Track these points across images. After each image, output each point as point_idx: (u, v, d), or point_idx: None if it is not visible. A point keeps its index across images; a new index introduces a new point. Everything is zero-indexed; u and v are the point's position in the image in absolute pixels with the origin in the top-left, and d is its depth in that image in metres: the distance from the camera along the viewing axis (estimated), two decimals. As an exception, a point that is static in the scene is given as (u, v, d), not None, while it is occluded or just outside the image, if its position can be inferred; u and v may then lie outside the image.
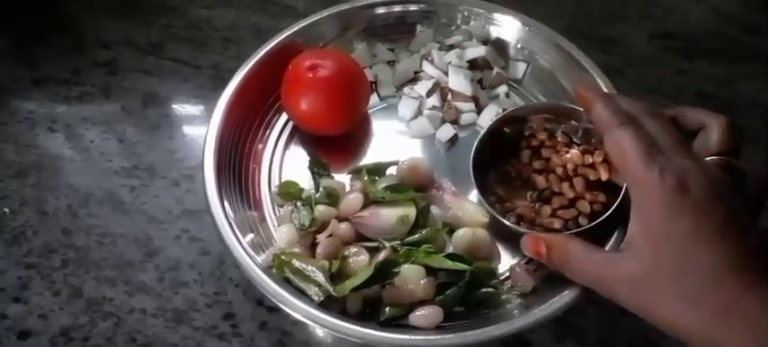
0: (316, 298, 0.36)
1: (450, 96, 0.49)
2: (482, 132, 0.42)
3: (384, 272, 0.37)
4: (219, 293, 0.42)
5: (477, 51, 0.50)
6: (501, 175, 0.43)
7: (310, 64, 0.44)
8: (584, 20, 0.59)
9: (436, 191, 0.43)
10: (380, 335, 0.35)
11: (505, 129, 0.44)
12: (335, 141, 0.47)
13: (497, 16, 0.51)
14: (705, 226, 0.28)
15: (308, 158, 0.45)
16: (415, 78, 0.51)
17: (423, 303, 0.37)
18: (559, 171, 0.42)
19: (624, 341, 0.41)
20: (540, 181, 0.41)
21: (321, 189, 0.42)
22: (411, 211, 0.40)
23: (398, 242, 0.39)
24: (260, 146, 0.47)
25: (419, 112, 0.49)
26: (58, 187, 0.48)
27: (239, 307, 0.42)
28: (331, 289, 0.36)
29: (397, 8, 0.52)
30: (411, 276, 0.37)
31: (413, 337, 0.35)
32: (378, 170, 0.43)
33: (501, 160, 0.43)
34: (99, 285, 0.43)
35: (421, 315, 0.36)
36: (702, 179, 0.29)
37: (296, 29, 0.49)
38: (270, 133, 0.48)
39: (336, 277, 0.37)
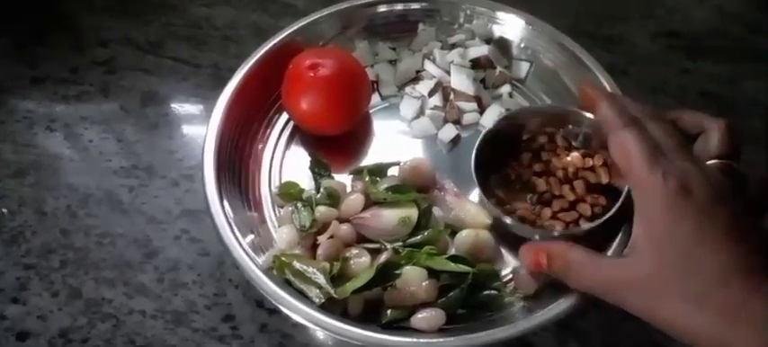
0: (316, 300, 0.36)
1: (452, 96, 0.48)
2: (482, 135, 0.42)
3: (385, 274, 0.36)
4: (219, 294, 0.42)
5: (479, 50, 0.50)
6: (501, 178, 0.43)
7: (311, 63, 0.43)
8: (587, 19, 0.59)
9: (438, 192, 0.43)
10: (382, 338, 0.35)
11: (506, 131, 0.43)
12: (336, 141, 0.47)
13: (500, 15, 0.51)
14: (709, 229, 0.28)
15: (308, 158, 0.45)
16: (416, 77, 0.51)
17: (425, 305, 0.37)
18: (560, 174, 0.42)
19: (627, 344, 0.40)
20: (541, 184, 0.41)
21: (322, 189, 0.41)
22: (413, 212, 0.40)
23: (400, 243, 0.39)
24: (260, 146, 0.47)
25: (421, 112, 0.49)
26: (56, 187, 0.48)
27: (239, 309, 0.41)
28: (332, 291, 0.35)
29: (399, 6, 0.51)
30: (413, 278, 0.37)
31: (415, 340, 0.35)
32: (379, 170, 0.43)
33: (501, 163, 0.43)
34: (98, 286, 0.42)
35: (423, 318, 0.36)
36: (704, 182, 0.29)
37: (296, 27, 0.49)
38: (270, 133, 0.47)
39: (337, 279, 0.37)
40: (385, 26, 0.52)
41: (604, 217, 0.38)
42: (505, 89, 0.50)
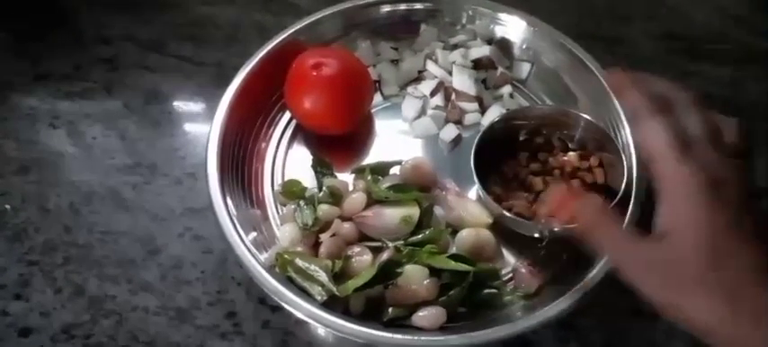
0: (319, 298, 0.36)
1: (453, 96, 0.49)
2: (480, 133, 0.42)
3: (387, 272, 0.37)
4: (222, 292, 0.42)
5: (481, 51, 0.50)
6: (498, 176, 0.43)
7: (314, 62, 0.43)
8: (589, 20, 0.59)
9: (440, 191, 0.43)
10: (383, 335, 0.35)
11: (504, 131, 0.44)
12: (338, 140, 0.47)
13: (502, 16, 0.51)
14: (737, 227, 0.28)
15: (311, 157, 0.45)
16: (418, 77, 0.51)
17: (426, 303, 0.37)
18: (556, 173, 0.42)
19: (628, 343, 0.41)
20: (537, 183, 0.42)
21: (324, 188, 0.41)
22: (414, 211, 0.40)
23: (402, 242, 0.39)
24: (263, 144, 0.47)
25: (423, 112, 0.49)
26: (59, 184, 0.48)
27: (242, 306, 0.41)
28: (334, 289, 0.36)
29: (402, 7, 0.52)
30: (414, 276, 0.37)
31: (416, 338, 0.35)
32: (381, 169, 0.43)
33: (499, 161, 0.43)
34: (101, 283, 0.43)
35: (424, 316, 0.36)
36: (733, 179, 0.29)
37: (299, 26, 0.49)
38: (273, 131, 0.48)
39: (339, 277, 0.37)
40: (387, 26, 0.52)
41: None
42: (506, 89, 0.50)
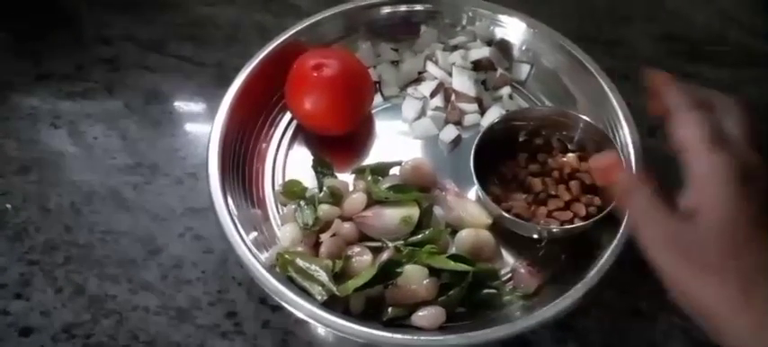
0: (319, 298, 0.36)
1: (453, 97, 0.49)
2: (479, 134, 0.42)
3: (387, 272, 0.37)
4: (223, 291, 0.42)
5: (481, 52, 0.50)
6: (498, 177, 0.43)
7: (315, 63, 0.44)
8: (588, 22, 0.59)
9: (439, 191, 0.43)
10: (383, 335, 0.35)
11: (503, 132, 0.44)
12: (339, 141, 0.47)
13: (502, 17, 0.51)
14: (765, 220, 0.28)
15: (311, 157, 0.45)
16: (418, 79, 0.51)
17: (425, 303, 0.37)
18: (555, 174, 0.42)
19: (627, 343, 0.41)
20: (536, 183, 0.42)
21: (324, 188, 0.42)
22: (414, 212, 0.40)
23: (401, 242, 0.39)
24: (264, 144, 0.47)
25: (423, 113, 0.49)
26: (60, 183, 0.48)
27: (242, 306, 0.41)
28: (334, 289, 0.36)
29: (402, 8, 0.52)
30: (414, 276, 0.37)
31: (415, 337, 0.35)
32: (381, 170, 0.43)
33: (498, 162, 0.43)
34: (102, 282, 0.43)
35: (423, 316, 0.36)
36: (764, 175, 0.29)
37: (300, 27, 0.49)
38: (273, 132, 0.48)
39: (340, 276, 0.37)
40: (388, 27, 0.52)
41: (599, 216, 0.39)
42: (506, 91, 0.50)
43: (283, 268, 0.38)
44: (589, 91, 0.47)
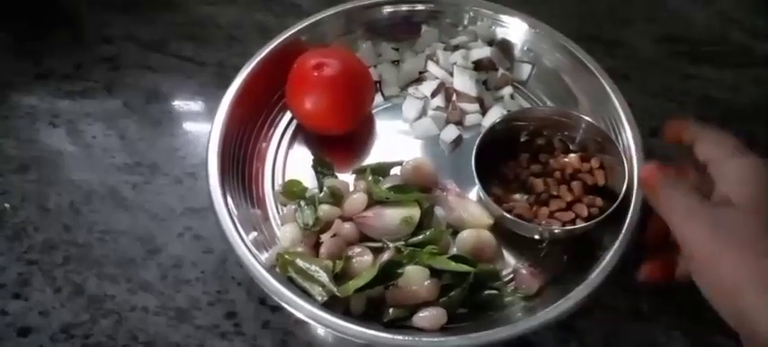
0: (319, 298, 0.36)
1: (454, 97, 0.49)
2: (481, 135, 0.42)
3: (388, 273, 0.37)
4: (222, 292, 0.42)
5: (482, 52, 0.50)
6: (499, 177, 0.43)
7: (315, 62, 0.43)
8: (590, 22, 0.59)
9: (440, 192, 0.43)
10: (384, 336, 0.35)
11: (505, 132, 0.44)
12: (339, 140, 0.47)
13: (503, 17, 0.51)
14: None
15: (311, 157, 0.45)
16: (419, 78, 0.51)
17: (426, 304, 0.37)
18: (557, 175, 0.42)
19: (628, 344, 0.41)
20: (538, 184, 0.42)
21: (325, 188, 0.41)
22: (415, 212, 0.40)
23: (402, 243, 0.39)
24: (264, 144, 0.47)
25: (423, 113, 0.49)
26: (59, 183, 0.48)
27: (242, 306, 0.41)
28: (335, 290, 0.36)
29: (404, 7, 0.52)
30: (415, 277, 0.37)
31: (416, 338, 0.35)
32: (382, 170, 0.43)
33: (499, 163, 0.43)
34: (100, 282, 0.42)
35: (424, 317, 0.36)
36: None
37: (300, 27, 0.49)
38: (273, 131, 0.48)
39: (340, 277, 0.37)
40: (389, 27, 0.52)
41: (601, 217, 0.38)
42: (507, 91, 0.50)
43: (283, 268, 0.38)
44: (591, 91, 0.47)
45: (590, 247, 0.39)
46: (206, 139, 0.43)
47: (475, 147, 0.41)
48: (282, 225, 0.42)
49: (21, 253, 0.44)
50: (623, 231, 0.38)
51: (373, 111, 0.49)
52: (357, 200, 0.40)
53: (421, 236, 0.39)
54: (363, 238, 0.40)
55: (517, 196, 0.42)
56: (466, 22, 0.52)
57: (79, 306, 0.41)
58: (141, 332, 0.40)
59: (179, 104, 0.53)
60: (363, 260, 0.38)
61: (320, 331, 0.41)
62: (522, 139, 0.45)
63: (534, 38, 0.50)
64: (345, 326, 0.35)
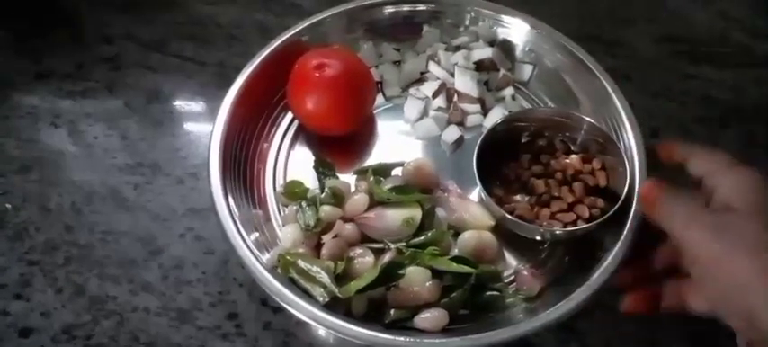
0: (321, 299, 0.36)
1: (456, 97, 0.49)
2: (482, 135, 0.42)
3: (389, 274, 0.37)
4: (224, 293, 0.42)
5: (483, 53, 0.50)
6: (500, 178, 0.43)
7: (317, 63, 0.43)
8: (590, 23, 0.59)
9: (441, 193, 0.43)
10: (385, 337, 0.35)
11: (506, 133, 0.44)
12: (340, 141, 0.47)
13: (505, 18, 0.51)
14: None
15: (313, 158, 0.45)
16: (421, 79, 0.51)
17: (428, 305, 0.37)
18: (558, 176, 0.42)
19: (628, 345, 0.41)
20: (539, 185, 0.42)
21: (326, 189, 0.41)
22: (417, 213, 0.40)
23: (404, 244, 0.39)
24: (265, 144, 0.47)
25: (425, 113, 0.49)
26: (60, 183, 0.48)
27: (243, 307, 0.41)
28: (336, 291, 0.36)
29: (405, 8, 0.52)
30: (416, 278, 0.37)
31: (418, 340, 0.35)
32: (383, 171, 0.43)
33: (501, 163, 0.43)
34: (102, 283, 0.43)
35: (426, 318, 0.36)
36: None
37: (301, 27, 0.49)
38: (275, 132, 0.48)
39: (341, 278, 0.37)
40: (390, 27, 0.52)
41: (602, 218, 0.38)
42: (508, 91, 0.50)
43: (285, 269, 0.38)
44: (592, 92, 0.47)
45: (591, 248, 0.39)
46: (207, 140, 0.43)
47: (476, 148, 0.41)
48: (284, 226, 0.42)
49: (22, 254, 0.44)
50: (625, 232, 0.38)
51: (374, 112, 0.49)
52: (358, 200, 0.40)
53: (422, 237, 0.39)
54: (365, 239, 0.40)
55: (518, 197, 0.42)
56: (467, 23, 0.52)
57: (80, 306, 0.42)
58: (143, 333, 0.40)
59: (180, 104, 0.53)
60: (365, 261, 0.38)
61: (321, 332, 0.41)
62: (523, 140, 0.45)
63: (535, 38, 0.50)
64: (347, 327, 0.35)
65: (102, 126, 0.51)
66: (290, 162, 0.47)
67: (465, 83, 0.48)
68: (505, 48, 0.51)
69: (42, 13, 0.59)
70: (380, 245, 0.39)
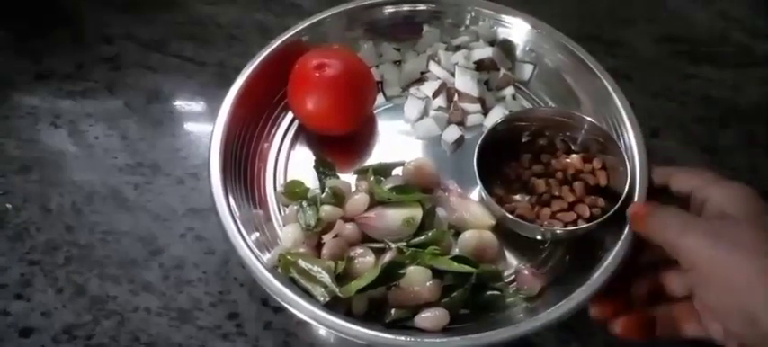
0: (321, 299, 0.36)
1: (456, 97, 0.49)
2: (483, 135, 0.42)
3: (390, 274, 0.37)
4: (224, 292, 0.42)
5: (483, 52, 0.50)
6: (501, 178, 0.43)
7: (317, 63, 0.43)
8: (591, 23, 0.59)
9: (442, 192, 0.43)
10: (386, 337, 0.35)
11: (506, 133, 0.44)
12: (341, 141, 0.47)
13: (505, 18, 0.51)
14: None
15: (313, 158, 0.45)
16: (421, 79, 0.51)
17: (428, 305, 0.37)
18: (559, 175, 0.42)
19: (629, 345, 0.41)
20: (540, 185, 0.42)
21: (327, 189, 0.41)
22: (417, 213, 0.40)
23: (404, 243, 0.39)
24: (265, 144, 0.47)
25: (425, 113, 0.49)
26: (61, 183, 0.48)
27: (244, 307, 0.41)
28: (337, 290, 0.36)
29: (405, 8, 0.52)
30: (417, 278, 0.37)
31: (418, 339, 0.35)
32: (383, 170, 0.43)
33: (501, 163, 0.43)
34: (103, 283, 0.43)
35: (426, 318, 0.36)
36: None
37: (302, 27, 0.49)
38: (275, 132, 0.48)
39: (342, 278, 0.37)
40: (390, 27, 0.52)
41: (603, 218, 0.38)
42: (509, 91, 0.50)
43: (285, 269, 0.38)
44: (593, 91, 0.47)
45: (592, 248, 0.39)
46: (207, 140, 0.43)
47: (477, 148, 0.41)
48: (284, 225, 0.42)
49: (23, 254, 0.44)
50: (625, 232, 0.38)
51: (375, 112, 0.49)
52: (359, 200, 0.40)
53: (423, 237, 0.39)
54: (365, 239, 0.40)
55: (519, 197, 0.42)
56: (467, 23, 0.52)
57: (81, 306, 0.42)
58: (143, 332, 0.40)
59: (180, 104, 0.53)
60: (365, 260, 0.38)
61: (322, 332, 0.41)
62: (523, 140, 0.45)
63: (536, 38, 0.50)
64: (347, 327, 0.35)
65: (102, 126, 0.51)
66: (290, 162, 0.47)
67: (465, 82, 0.48)
68: (506, 47, 0.51)
69: (42, 13, 0.59)
70: (381, 245, 0.39)
